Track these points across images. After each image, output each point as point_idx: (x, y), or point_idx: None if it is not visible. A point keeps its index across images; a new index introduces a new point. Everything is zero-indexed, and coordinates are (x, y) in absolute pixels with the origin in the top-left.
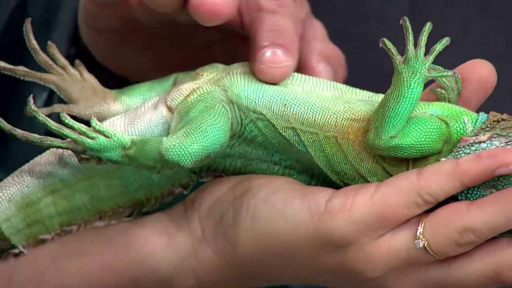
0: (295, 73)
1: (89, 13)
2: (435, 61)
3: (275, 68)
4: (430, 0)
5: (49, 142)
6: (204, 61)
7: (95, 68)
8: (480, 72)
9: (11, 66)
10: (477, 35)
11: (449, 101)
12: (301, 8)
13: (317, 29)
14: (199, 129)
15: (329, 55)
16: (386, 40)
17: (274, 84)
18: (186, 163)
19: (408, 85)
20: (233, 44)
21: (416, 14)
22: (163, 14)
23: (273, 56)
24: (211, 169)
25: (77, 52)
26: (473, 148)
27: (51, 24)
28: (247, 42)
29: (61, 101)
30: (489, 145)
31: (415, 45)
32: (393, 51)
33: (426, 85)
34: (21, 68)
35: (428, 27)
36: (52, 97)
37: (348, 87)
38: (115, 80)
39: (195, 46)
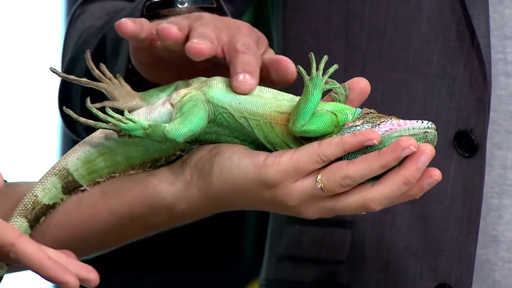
0: None
1: (132, 52)
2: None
3: (245, 86)
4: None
5: (99, 125)
6: None
7: (139, 78)
8: (361, 84)
9: (78, 78)
10: (374, 72)
11: (339, 102)
12: (262, 46)
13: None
14: (188, 118)
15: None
16: (300, 67)
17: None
18: (179, 139)
19: (312, 93)
20: (219, 69)
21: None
22: (175, 51)
23: (244, 78)
24: (198, 140)
25: (132, 68)
26: (352, 129)
27: (117, 52)
28: (227, 69)
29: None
30: (361, 127)
31: (317, 69)
32: (304, 73)
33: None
34: (84, 79)
35: (324, 58)
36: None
37: (279, 91)
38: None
39: (198, 70)
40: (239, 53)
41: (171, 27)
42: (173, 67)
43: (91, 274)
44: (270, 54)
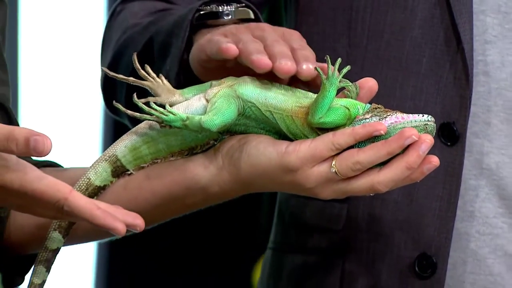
0: (274, 83)
1: (201, 60)
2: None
3: (308, 71)
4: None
5: (144, 117)
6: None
7: (190, 75)
8: (369, 83)
9: (126, 77)
10: (371, 69)
11: (351, 98)
12: (292, 38)
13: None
14: (221, 111)
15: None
16: (318, 68)
17: (261, 88)
18: (213, 129)
19: (329, 90)
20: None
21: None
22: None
23: (307, 67)
24: (229, 131)
25: (180, 70)
26: (362, 122)
27: (165, 55)
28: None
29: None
30: (370, 120)
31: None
32: (321, 73)
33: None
34: (131, 78)
35: (338, 61)
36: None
37: (299, 89)
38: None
39: (244, 70)
40: (297, 50)
41: (264, 59)
42: (229, 69)
43: (137, 220)
44: None
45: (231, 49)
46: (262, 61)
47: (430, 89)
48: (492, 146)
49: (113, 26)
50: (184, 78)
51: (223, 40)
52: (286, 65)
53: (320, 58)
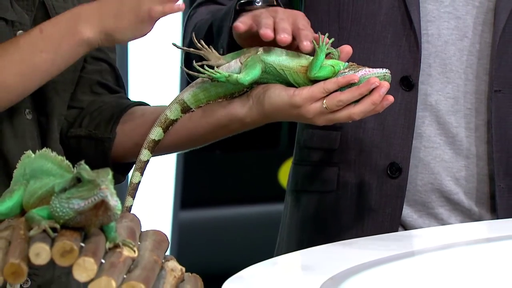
0: (284, 50)
1: (236, 34)
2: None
3: (307, 47)
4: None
5: (201, 75)
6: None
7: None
8: (346, 49)
9: (189, 48)
10: (353, 43)
11: (335, 59)
12: (297, 18)
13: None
14: (250, 71)
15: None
16: (314, 40)
17: (277, 54)
18: (245, 83)
19: (320, 54)
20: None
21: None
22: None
23: (307, 43)
24: (256, 82)
25: (229, 41)
26: (342, 74)
27: (220, 32)
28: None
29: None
30: (348, 73)
31: (323, 41)
32: (315, 43)
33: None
34: (191, 49)
35: (326, 35)
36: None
37: (301, 54)
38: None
39: (266, 40)
40: (301, 30)
41: (268, 32)
42: (256, 39)
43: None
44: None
45: (239, 27)
46: (266, 33)
47: (393, 55)
48: (432, 90)
49: (189, 23)
50: (232, 47)
51: (238, 21)
52: (284, 38)
53: None
